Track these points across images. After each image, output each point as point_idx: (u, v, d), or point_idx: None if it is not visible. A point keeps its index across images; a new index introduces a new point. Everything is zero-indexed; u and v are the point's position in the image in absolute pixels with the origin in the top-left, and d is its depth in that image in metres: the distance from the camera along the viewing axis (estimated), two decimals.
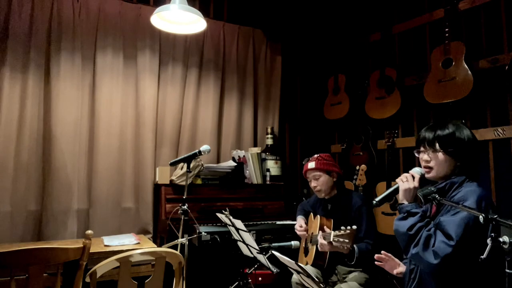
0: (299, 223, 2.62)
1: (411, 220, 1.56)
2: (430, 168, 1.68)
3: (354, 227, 2.01)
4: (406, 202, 1.63)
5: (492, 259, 1.18)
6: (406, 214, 1.59)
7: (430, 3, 3.18)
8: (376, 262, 1.81)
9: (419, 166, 1.74)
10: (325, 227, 2.29)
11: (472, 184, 1.59)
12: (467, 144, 1.64)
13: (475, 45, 2.82)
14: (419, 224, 1.54)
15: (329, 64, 3.94)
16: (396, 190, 1.68)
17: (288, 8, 3.96)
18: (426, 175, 1.69)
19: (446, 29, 2.81)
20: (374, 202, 1.67)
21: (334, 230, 2.11)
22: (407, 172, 1.71)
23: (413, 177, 1.66)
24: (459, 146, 1.63)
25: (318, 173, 2.43)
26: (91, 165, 3.06)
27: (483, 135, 2.74)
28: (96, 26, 3.11)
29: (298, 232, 2.59)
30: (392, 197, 1.73)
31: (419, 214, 1.57)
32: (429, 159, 1.68)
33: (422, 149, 1.72)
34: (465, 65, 2.69)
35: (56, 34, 2.96)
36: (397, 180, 1.70)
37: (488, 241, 1.20)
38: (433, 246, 1.48)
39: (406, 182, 1.65)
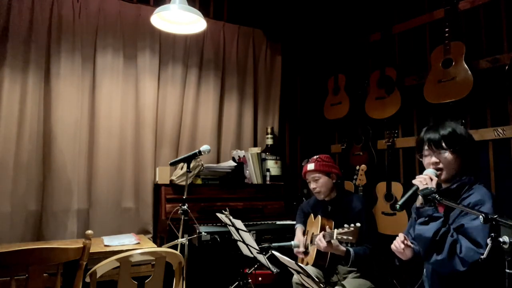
0: (298, 237, 2.60)
1: (434, 225, 1.52)
2: (440, 169, 1.65)
3: (358, 224, 2.00)
4: (425, 206, 1.58)
5: (492, 259, 1.18)
6: (427, 218, 1.55)
7: (430, 3, 3.17)
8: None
9: (420, 167, 1.73)
10: (327, 227, 2.30)
11: (481, 186, 1.60)
12: (468, 140, 1.66)
13: (475, 45, 2.82)
14: (443, 230, 1.50)
15: (329, 64, 3.94)
16: (415, 192, 1.61)
17: (288, 8, 3.96)
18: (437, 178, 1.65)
19: (446, 29, 2.80)
20: (397, 206, 1.58)
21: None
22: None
23: (431, 179, 1.60)
24: (462, 143, 1.64)
25: (317, 174, 2.42)
26: (91, 165, 3.06)
27: (483, 135, 2.74)
28: (96, 26, 3.11)
29: (295, 252, 2.56)
30: (413, 199, 1.63)
31: (441, 219, 1.53)
32: (437, 160, 1.65)
33: (427, 152, 1.69)
34: (465, 65, 2.69)
35: (56, 34, 2.95)
36: (414, 181, 1.63)
37: (488, 241, 1.20)
38: (460, 252, 1.46)
39: (425, 184, 1.58)
